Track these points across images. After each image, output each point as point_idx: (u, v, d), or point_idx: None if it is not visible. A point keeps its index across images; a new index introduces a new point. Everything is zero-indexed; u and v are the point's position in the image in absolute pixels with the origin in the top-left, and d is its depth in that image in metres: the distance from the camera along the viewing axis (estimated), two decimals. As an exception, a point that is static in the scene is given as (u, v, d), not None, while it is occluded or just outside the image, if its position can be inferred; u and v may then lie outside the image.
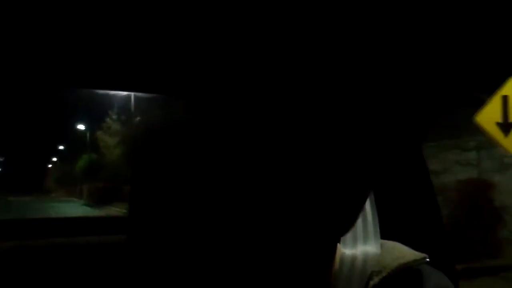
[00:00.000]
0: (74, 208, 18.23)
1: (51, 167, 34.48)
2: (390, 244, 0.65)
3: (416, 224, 0.90)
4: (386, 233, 0.67)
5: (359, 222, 0.65)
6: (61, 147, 32.82)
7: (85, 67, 0.89)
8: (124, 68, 0.90)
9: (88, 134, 25.01)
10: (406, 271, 0.61)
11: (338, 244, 0.63)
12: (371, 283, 0.60)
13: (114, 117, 18.80)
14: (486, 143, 6.19)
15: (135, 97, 17.35)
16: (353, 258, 0.63)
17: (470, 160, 7.79)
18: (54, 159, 34.29)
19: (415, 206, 0.92)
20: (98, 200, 18.19)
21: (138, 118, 16.90)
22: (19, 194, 26.01)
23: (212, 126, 0.66)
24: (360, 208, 0.61)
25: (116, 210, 15.29)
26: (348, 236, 0.64)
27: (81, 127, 27.11)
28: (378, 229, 0.67)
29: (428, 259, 0.62)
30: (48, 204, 20.33)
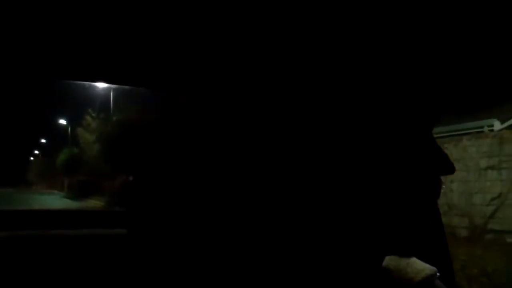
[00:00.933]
0: (55, 200, 18.77)
1: (33, 160, 34.94)
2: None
3: (418, 233, 0.76)
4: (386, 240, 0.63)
5: None
6: (43, 141, 33.37)
7: (69, 59, 0.82)
8: (107, 61, 0.82)
9: (69, 129, 25.74)
10: (427, 284, 0.62)
11: None
12: None
13: (94, 115, 19.63)
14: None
15: (114, 96, 18.24)
16: None
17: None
18: (36, 152, 34.76)
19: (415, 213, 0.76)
20: (78, 193, 18.73)
21: (115, 118, 17.75)
22: (1, 186, 26.38)
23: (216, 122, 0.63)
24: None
25: (94, 203, 15.99)
26: None
27: (62, 122, 27.80)
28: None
29: (438, 273, 0.63)
30: (31, 196, 20.65)
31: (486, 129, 8.19)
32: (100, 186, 17.31)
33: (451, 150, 7.60)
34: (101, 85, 18.66)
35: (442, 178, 0.70)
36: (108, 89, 18.18)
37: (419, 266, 0.63)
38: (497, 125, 8.22)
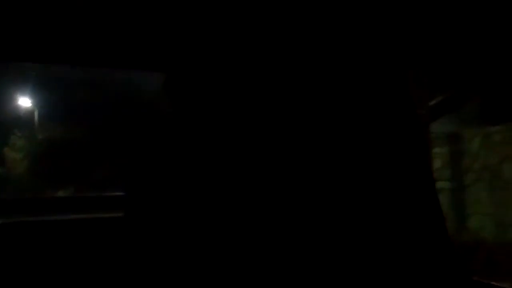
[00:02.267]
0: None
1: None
2: None
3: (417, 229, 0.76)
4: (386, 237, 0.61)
5: None
6: (-35, 162, 31.57)
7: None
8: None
9: (-6, 149, 25.00)
10: None
11: None
12: None
13: (19, 134, 19.71)
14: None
15: (38, 114, 18.50)
16: None
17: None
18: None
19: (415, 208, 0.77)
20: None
21: (40, 136, 18.00)
22: None
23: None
24: None
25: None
26: None
27: (-13, 142, 26.80)
28: None
29: None
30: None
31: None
32: (28, 203, 17.28)
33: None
34: (25, 105, 18.69)
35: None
36: (32, 110, 18.42)
37: None
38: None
